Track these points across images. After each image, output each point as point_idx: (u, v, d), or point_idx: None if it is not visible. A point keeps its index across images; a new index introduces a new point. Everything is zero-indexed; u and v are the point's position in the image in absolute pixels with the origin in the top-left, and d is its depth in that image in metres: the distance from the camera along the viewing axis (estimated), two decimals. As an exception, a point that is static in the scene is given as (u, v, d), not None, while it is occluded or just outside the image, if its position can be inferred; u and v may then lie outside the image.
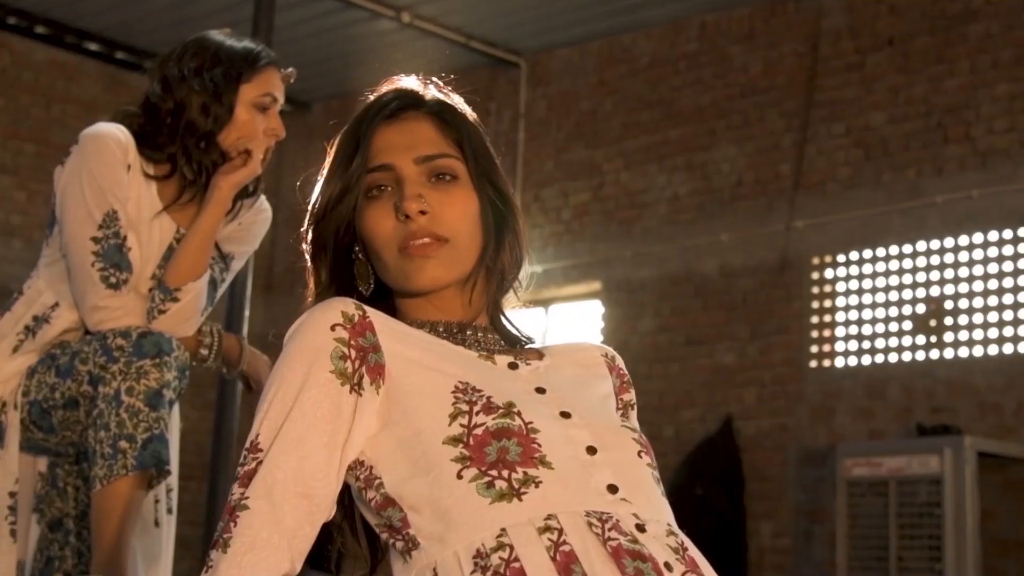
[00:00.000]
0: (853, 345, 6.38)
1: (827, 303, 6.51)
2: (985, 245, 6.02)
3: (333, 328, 1.45)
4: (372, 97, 1.62)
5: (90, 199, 2.48)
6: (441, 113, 1.61)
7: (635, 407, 1.71)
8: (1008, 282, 5.92)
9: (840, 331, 6.45)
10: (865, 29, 6.59)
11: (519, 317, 1.69)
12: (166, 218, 2.59)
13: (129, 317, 2.48)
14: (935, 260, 6.16)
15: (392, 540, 1.44)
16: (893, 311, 6.27)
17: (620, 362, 1.71)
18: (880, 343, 6.28)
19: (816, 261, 6.56)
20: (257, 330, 4.37)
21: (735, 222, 6.85)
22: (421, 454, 1.41)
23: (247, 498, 1.39)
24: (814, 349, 6.49)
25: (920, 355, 6.13)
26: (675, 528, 1.44)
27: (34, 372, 2.51)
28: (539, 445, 1.40)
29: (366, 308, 1.49)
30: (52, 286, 2.57)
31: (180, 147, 2.56)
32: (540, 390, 1.51)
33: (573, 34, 7.64)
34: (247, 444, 1.44)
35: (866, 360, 6.31)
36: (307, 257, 1.62)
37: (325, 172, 1.59)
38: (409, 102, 1.61)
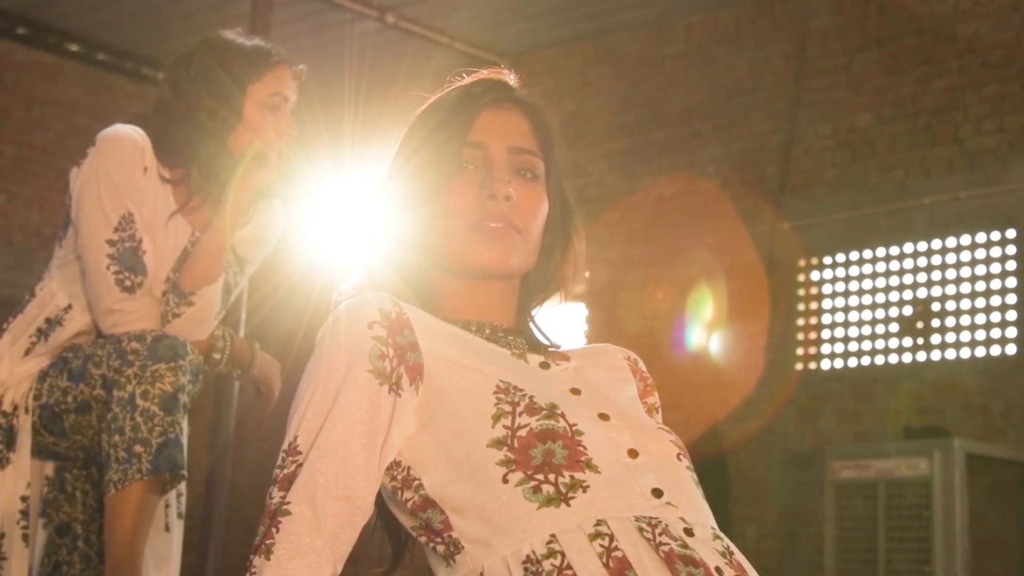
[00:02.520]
0: (839, 347, 6.38)
1: (813, 305, 6.51)
2: (973, 247, 6.03)
3: (371, 326, 1.43)
4: (468, 80, 1.63)
5: (106, 201, 2.47)
6: (535, 114, 1.62)
7: (659, 410, 1.70)
8: (996, 284, 5.94)
9: (826, 333, 6.46)
10: (853, 30, 6.60)
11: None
12: (181, 221, 2.58)
13: (143, 320, 2.47)
14: (922, 262, 6.17)
15: (432, 543, 1.42)
16: (880, 313, 6.28)
17: (642, 365, 1.72)
18: (867, 345, 6.29)
19: (802, 263, 6.57)
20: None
21: (720, 224, 6.84)
22: (465, 457, 1.39)
23: (289, 503, 1.38)
24: (800, 351, 6.50)
25: (907, 357, 6.14)
26: (719, 532, 1.43)
27: (46, 376, 2.50)
28: (584, 448, 1.39)
29: (402, 304, 1.48)
30: (65, 288, 2.56)
31: (191, 150, 2.55)
32: (575, 391, 1.51)
33: (557, 35, 7.63)
34: (285, 446, 1.43)
35: (852, 362, 6.32)
36: (375, 219, 1.61)
37: (413, 140, 1.59)
38: (510, 94, 1.62)
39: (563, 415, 1.41)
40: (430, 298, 1.58)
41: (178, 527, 2.63)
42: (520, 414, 1.40)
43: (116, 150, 2.49)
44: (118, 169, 2.48)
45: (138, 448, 2.31)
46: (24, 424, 2.49)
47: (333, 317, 1.47)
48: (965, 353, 5.97)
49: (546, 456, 1.37)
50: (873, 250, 6.33)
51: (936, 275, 6.11)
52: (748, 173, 6.83)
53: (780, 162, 6.70)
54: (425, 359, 1.45)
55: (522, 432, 1.39)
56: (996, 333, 5.90)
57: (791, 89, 6.74)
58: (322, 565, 1.37)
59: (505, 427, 1.39)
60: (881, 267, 6.30)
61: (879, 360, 6.24)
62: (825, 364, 6.42)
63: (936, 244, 6.13)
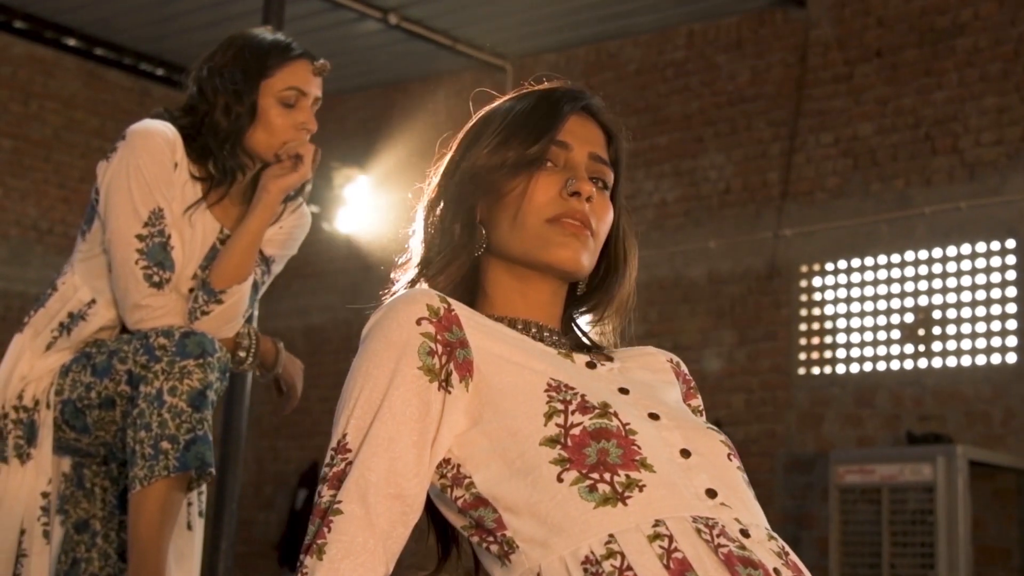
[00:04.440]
0: (841, 353, 6.40)
1: (815, 311, 6.54)
2: (973, 256, 6.07)
3: (419, 322, 1.42)
4: (550, 85, 1.65)
5: (136, 196, 2.44)
6: (611, 131, 1.65)
7: (703, 413, 1.70)
8: (995, 293, 5.97)
9: (828, 339, 6.48)
10: (853, 40, 6.63)
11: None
12: (209, 217, 2.55)
13: (170, 316, 2.44)
14: (923, 270, 6.20)
15: (484, 543, 1.41)
16: (881, 320, 6.31)
17: (685, 368, 1.72)
18: (868, 351, 6.31)
19: (804, 269, 6.59)
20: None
21: (723, 229, 6.86)
22: (518, 455, 1.38)
23: (340, 502, 1.37)
24: (802, 356, 6.52)
25: (908, 364, 6.16)
26: (772, 532, 1.43)
27: (68, 370, 2.47)
28: (639, 447, 1.38)
29: (450, 301, 1.46)
30: (89, 282, 2.52)
31: (209, 148, 2.53)
32: (623, 390, 1.50)
33: (560, 39, 7.64)
34: (334, 444, 1.41)
35: (855, 368, 6.34)
36: (433, 213, 1.60)
37: (493, 132, 1.58)
38: (592, 105, 1.64)
39: (616, 414, 1.39)
40: (479, 293, 1.58)
41: (199, 525, 2.60)
42: (572, 412, 1.39)
43: (147, 145, 2.46)
44: (149, 163, 2.45)
45: (165, 445, 2.28)
46: (45, 419, 2.46)
47: (380, 313, 1.46)
48: (966, 361, 6.00)
49: (600, 455, 1.36)
50: (875, 257, 6.36)
51: (937, 283, 6.14)
52: (750, 179, 6.84)
53: (782, 169, 6.72)
54: (475, 356, 1.44)
55: (575, 431, 1.37)
56: (996, 341, 5.93)
57: (792, 98, 6.76)
58: (375, 565, 1.36)
59: (558, 425, 1.38)
60: (882, 274, 6.33)
61: (881, 366, 6.26)
62: (828, 369, 6.44)
63: (937, 253, 6.17)
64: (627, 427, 1.39)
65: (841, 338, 6.42)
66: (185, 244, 2.51)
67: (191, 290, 2.51)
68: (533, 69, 7.83)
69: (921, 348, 6.12)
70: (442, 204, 1.60)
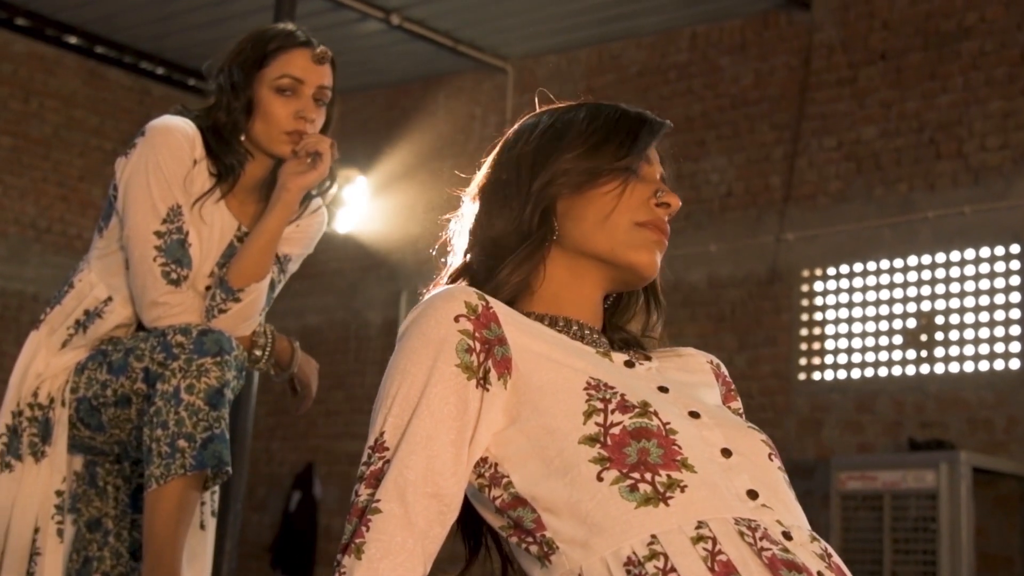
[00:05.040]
0: (842, 358, 6.39)
1: (816, 316, 6.52)
2: (977, 261, 6.05)
3: (457, 319, 1.41)
4: (635, 109, 1.63)
5: (155, 192, 2.42)
6: (663, 156, 1.66)
7: (743, 416, 1.69)
8: (999, 298, 5.96)
9: (829, 344, 6.47)
10: (857, 44, 6.62)
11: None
12: (227, 215, 2.54)
13: (187, 314, 2.43)
14: (926, 275, 6.19)
15: (523, 543, 1.40)
16: (883, 325, 6.29)
17: (724, 370, 1.71)
18: (870, 357, 6.30)
19: (806, 273, 6.58)
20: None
21: (724, 233, 6.85)
22: (556, 454, 1.37)
23: (378, 501, 1.36)
24: (803, 362, 6.50)
25: (910, 370, 6.15)
26: (815, 533, 1.41)
27: (84, 368, 2.45)
28: (679, 447, 1.37)
29: (488, 298, 1.45)
30: (105, 279, 2.51)
31: (211, 147, 2.52)
32: (663, 389, 1.49)
33: (562, 41, 7.63)
34: (371, 442, 1.40)
35: (855, 374, 6.33)
36: (497, 205, 1.58)
37: (583, 136, 1.57)
38: (661, 135, 1.64)
39: (656, 413, 1.39)
40: (523, 288, 1.56)
41: (212, 525, 2.59)
42: (612, 411, 1.38)
43: (167, 141, 2.45)
44: (168, 160, 2.44)
45: (182, 443, 2.27)
46: (60, 417, 2.45)
47: (418, 311, 1.45)
48: (968, 367, 5.98)
49: (641, 455, 1.35)
50: (877, 262, 6.35)
51: (940, 288, 6.13)
52: (752, 183, 6.84)
53: (784, 173, 6.71)
54: (514, 354, 1.43)
55: (615, 430, 1.36)
56: (1000, 347, 5.91)
57: (796, 101, 6.75)
58: (414, 565, 1.35)
59: (597, 424, 1.37)
60: (885, 279, 6.32)
61: (882, 372, 6.24)
62: (828, 375, 6.43)
63: (940, 257, 6.15)
64: (668, 426, 1.38)
65: (843, 343, 6.41)
66: (203, 241, 2.50)
67: (208, 288, 2.50)
68: (535, 71, 7.83)
69: (923, 354, 6.11)
70: (510, 196, 1.57)
